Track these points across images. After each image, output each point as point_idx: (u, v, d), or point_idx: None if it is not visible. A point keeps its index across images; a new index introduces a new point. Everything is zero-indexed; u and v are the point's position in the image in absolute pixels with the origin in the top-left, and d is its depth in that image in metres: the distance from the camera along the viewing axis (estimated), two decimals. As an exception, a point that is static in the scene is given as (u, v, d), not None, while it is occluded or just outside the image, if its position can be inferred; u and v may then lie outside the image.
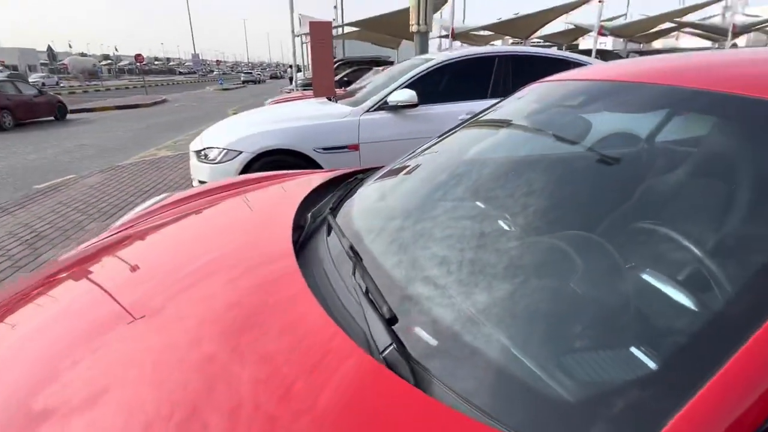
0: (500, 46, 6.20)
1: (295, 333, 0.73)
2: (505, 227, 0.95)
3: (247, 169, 3.29)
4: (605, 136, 1.12)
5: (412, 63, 3.93)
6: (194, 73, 54.40)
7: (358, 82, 7.49)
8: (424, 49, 5.84)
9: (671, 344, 0.58)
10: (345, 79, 9.96)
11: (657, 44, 23.14)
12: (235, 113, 5.78)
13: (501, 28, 16.70)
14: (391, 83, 3.58)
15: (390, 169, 1.45)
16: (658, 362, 0.56)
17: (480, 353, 0.66)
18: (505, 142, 1.37)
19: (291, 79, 14.44)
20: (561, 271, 0.79)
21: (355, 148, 3.41)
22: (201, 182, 3.41)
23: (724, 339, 0.51)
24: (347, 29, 14.21)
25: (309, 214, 1.24)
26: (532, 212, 0.99)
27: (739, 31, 17.76)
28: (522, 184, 1.11)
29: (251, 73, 46.70)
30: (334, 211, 1.26)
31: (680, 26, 18.66)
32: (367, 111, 3.43)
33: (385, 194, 1.33)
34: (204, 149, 3.45)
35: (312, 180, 1.63)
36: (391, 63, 11.33)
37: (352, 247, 0.93)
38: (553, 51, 4.19)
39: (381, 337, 0.68)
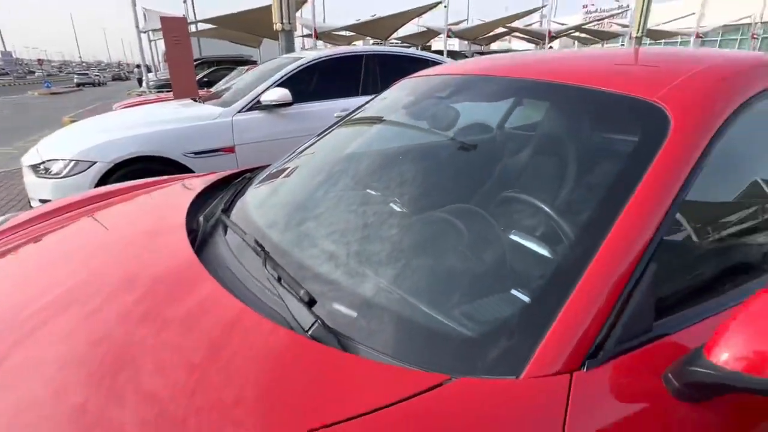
0: (362, 46, 6.44)
1: (228, 329, 0.72)
2: (396, 208, 1.06)
3: (103, 182, 2.92)
4: (470, 124, 1.32)
5: (280, 62, 3.89)
6: (7, 74, 44.94)
7: (222, 82, 7.07)
8: (290, 47, 5.78)
9: (536, 282, 0.74)
10: (205, 79, 9.29)
11: (494, 46, 26.49)
12: (73, 121, 5.01)
13: (362, 29, 17.34)
14: (260, 83, 3.50)
15: (278, 167, 1.46)
16: (529, 296, 0.71)
17: (390, 312, 0.74)
18: (385, 133, 1.49)
19: (140, 80, 12.93)
20: (445, 236, 0.92)
21: (230, 150, 3.26)
22: (43, 201, 2.91)
23: (570, 274, 0.67)
24: (201, 26, 13.25)
25: (201, 217, 1.19)
26: (418, 192, 1.12)
27: (554, 36, 21.38)
28: (405, 168, 1.24)
29: (87, 74, 40.14)
30: (227, 211, 1.23)
31: (511, 31, 21.73)
32: (240, 111, 3.31)
33: (277, 190, 1.34)
34: (43, 162, 2.95)
35: (184, 185, 1.54)
36: (255, 62, 10.93)
37: (257, 241, 0.94)
38: (413, 51, 4.54)
39: (304, 317, 0.72)
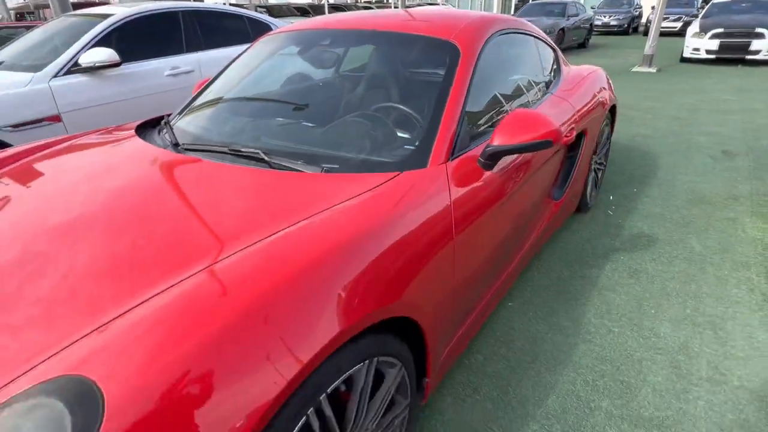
0: (158, 2, 5.92)
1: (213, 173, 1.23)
2: (308, 124, 1.64)
3: None
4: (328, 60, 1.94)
5: (73, 21, 3.57)
6: None
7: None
8: (65, 7, 5.01)
9: (417, 134, 1.46)
10: None
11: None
12: None
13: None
14: (63, 44, 3.23)
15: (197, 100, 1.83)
16: (418, 138, 1.43)
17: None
18: (273, 74, 1.99)
19: None
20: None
21: (55, 119, 3.03)
22: None
23: (432, 127, 1.41)
24: None
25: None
26: (320, 107, 1.71)
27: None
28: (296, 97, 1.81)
29: None
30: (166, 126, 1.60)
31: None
32: (56, 76, 3.05)
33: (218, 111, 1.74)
34: None
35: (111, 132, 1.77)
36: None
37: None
38: (227, 7, 4.63)
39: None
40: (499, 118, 1.72)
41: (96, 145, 1.68)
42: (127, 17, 3.48)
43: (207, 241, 1.00)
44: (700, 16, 10.24)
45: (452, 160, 1.38)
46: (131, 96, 3.39)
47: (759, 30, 8.81)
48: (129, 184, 1.31)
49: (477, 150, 1.47)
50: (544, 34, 2.46)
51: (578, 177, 2.46)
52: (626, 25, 16.55)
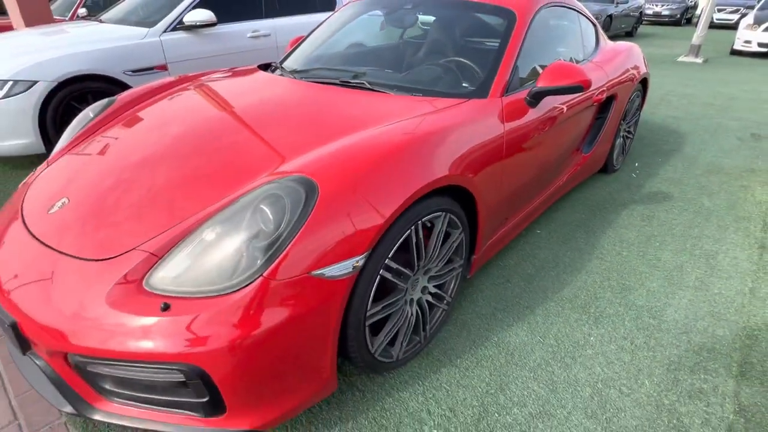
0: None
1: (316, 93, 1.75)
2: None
3: (49, 99, 3.11)
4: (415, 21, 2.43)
5: None
6: None
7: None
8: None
9: (482, 76, 1.95)
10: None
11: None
12: None
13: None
14: (165, 5, 3.83)
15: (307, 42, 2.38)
16: (482, 79, 1.92)
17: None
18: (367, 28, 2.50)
19: None
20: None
21: (163, 68, 3.65)
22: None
23: (492, 72, 1.90)
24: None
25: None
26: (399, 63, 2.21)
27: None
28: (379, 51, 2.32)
29: None
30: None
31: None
32: (165, 31, 3.66)
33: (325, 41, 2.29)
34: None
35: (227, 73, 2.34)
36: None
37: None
38: None
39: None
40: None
41: (234, 77, 2.24)
42: (220, -16, 4.04)
43: (336, 128, 1.53)
44: (756, 7, 10.07)
45: (506, 95, 1.86)
46: (221, 53, 3.98)
47: (816, 24, 8.68)
48: (267, 97, 1.86)
49: (524, 92, 1.95)
50: (587, 11, 2.86)
51: (605, 137, 2.89)
52: (679, 16, 16.15)
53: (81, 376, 1.20)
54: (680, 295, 2.04)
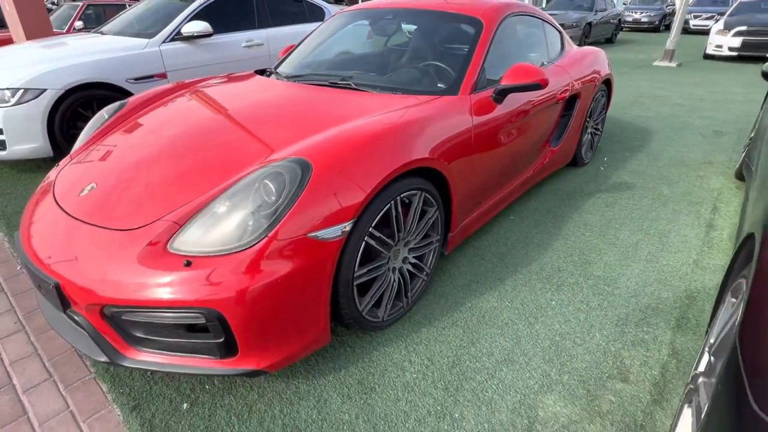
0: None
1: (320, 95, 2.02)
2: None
3: (57, 106, 3.34)
4: (396, 32, 2.72)
5: (164, 3, 4.44)
6: None
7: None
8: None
9: (451, 78, 2.23)
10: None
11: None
12: None
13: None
14: (166, 17, 4.09)
15: (298, 51, 2.65)
16: (450, 80, 2.20)
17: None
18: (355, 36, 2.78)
19: None
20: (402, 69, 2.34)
21: (163, 76, 3.90)
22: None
23: (460, 76, 2.18)
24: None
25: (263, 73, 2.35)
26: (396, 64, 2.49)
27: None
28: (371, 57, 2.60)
29: None
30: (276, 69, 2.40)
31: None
32: (164, 42, 3.92)
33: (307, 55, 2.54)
34: (-20, 93, 3.18)
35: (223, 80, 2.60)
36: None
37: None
38: None
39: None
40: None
41: (234, 80, 2.50)
42: (214, -2, 4.32)
43: (326, 121, 1.79)
44: (726, 14, 10.58)
45: (475, 93, 2.14)
46: (217, 61, 4.24)
47: (782, 29, 9.17)
48: (264, 98, 2.12)
49: (491, 90, 2.23)
50: (552, 19, 3.18)
51: (572, 132, 3.18)
52: (657, 22, 16.75)
53: (114, 327, 1.43)
54: (633, 267, 2.31)
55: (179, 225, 1.42)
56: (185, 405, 1.54)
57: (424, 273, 1.98)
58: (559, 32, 3.26)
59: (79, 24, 6.44)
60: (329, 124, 1.77)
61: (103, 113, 2.27)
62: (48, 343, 1.82)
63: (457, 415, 1.50)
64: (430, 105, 1.95)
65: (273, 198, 1.39)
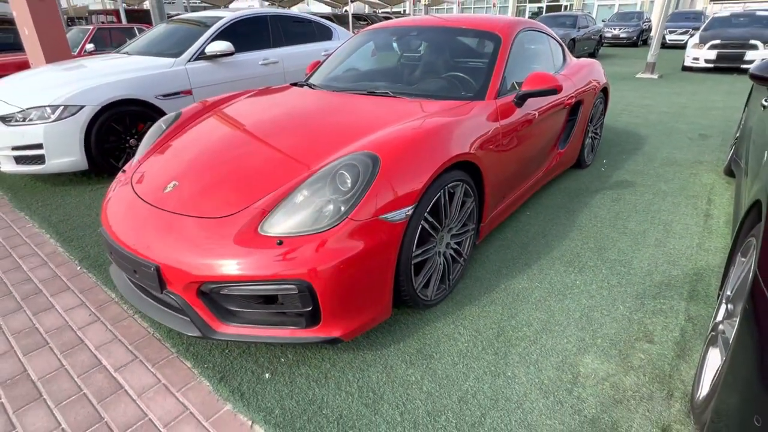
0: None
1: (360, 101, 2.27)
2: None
3: (94, 121, 3.53)
4: (417, 47, 3.00)
5: (180, 26, 4.70)
6: None
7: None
8: (162, 14, 6.20)
9: (476, 86, 2.50)
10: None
11: (294, 9, 27.79)
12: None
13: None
14: (189, 38, 4.34)
15: (329, 64, 2.91)
16: (474, 89, 2.47)
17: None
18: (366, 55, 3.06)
19: None
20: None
21: (188, 92, 4.13)
22: (31, 147, 3.37)
23: (486, 82, 2.45)
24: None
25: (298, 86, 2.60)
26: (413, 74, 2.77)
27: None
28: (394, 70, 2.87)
29: None
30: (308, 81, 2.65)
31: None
32: (189, 60, 4.16)
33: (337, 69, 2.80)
34: (21, 111, 3.37)
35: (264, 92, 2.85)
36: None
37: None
38: (300, 13, 5.74)
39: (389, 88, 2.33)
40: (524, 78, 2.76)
41: (273, 92, 2.74)
42: (234, 19, 4.59)
43: (378, 122, 2.03)
44: (701, 29, 11.25)
45: (499, 98, 2.41)
46: (238, 78, 4.49)
47: (753, 42, 9.80)
48: (316, 104, 2.36)
49: (512, 96, 2.50)
50: (554, 34, 3.50)
51: (577, 135, 3.48)
52: (635, 38, 17.57)
53: (208, 304, 1.63)
54: (644, 251, 2.57)
55: (267, 211, 1.63)
56: (267, 375, 1.73)
57: (462, 259, 2.21)
58: (561, 45, 3.58)
59: (90, 46, 6.66)
60: (382, 125, 2.01)
61: (161, 123, 2.48)
62: (126, 330, 1.99)
63: (509, 374, 1.71)
64: (464, 108, 2.21)
65: (348, 186, 1.62)
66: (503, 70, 2.52)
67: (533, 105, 2.66)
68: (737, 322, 1.18)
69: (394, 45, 3.08)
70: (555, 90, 2.39)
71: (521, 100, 2.46)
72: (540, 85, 2.39)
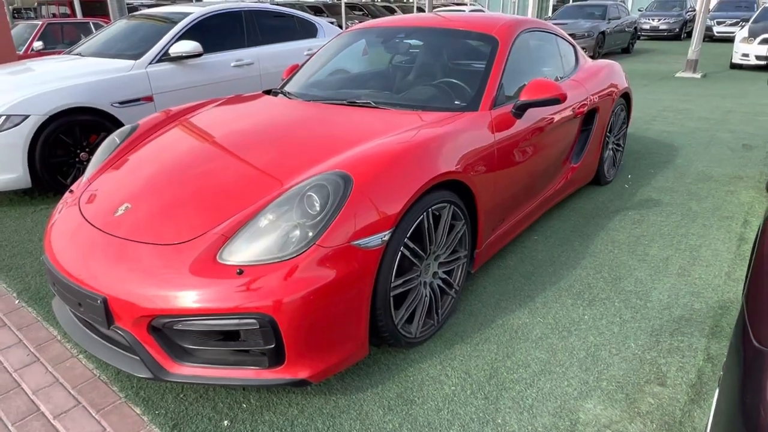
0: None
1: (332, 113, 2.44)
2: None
3: (40, 132, 3.71)
4: (406, 48, 3.21)
5: (142, 22, 4.95)
6: None
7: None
8: (121, 6, 6.49)
9: (469, 94, 2.68)
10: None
11: None
12: None
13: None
14: (154, 37, 4.57)
15: (305, 69, 3.10)
16: (467, 99, 2.64)
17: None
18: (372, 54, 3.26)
19: None
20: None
21: (149, 99, 4.33)
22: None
23: (479, 92, 2.63)
24: None
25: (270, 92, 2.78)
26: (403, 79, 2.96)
27: None
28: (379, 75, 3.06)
29: None
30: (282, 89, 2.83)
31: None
32: (151, 63, 4.37)
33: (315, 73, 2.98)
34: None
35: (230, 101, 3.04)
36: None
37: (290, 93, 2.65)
38: (278, 7, 6.02)
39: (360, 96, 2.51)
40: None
41: (247, 100, 2.93)
42: (203, 15, 4.84)
43: (355, 138, 2.20)
44: (750, 20, 11.59)
45: (495, 109, 2.58)
46: (206, 82, 4.71)
47: (811, 36, 10.10)
48: (286, 116, 2.53)
49: (510, 106, 2.67)
50: (565, 34, 3.71)
51: (592, 148, 3.65)
52: (678, 30, 18.03)
53: (160, 341, 1.75)
54: (665, 281, 2.70)
55: (227, 237, 1.78)
56: (226, 422, 1.84)
57: (453, 290, 2.34)
58: (573, 46, 3.79)
59: (38, 44, 6.94)
60: (359, 140, 2.17)
61: (115, 138, 2.65)
62: (68, 372, 2.11)
63: (500, 421, 1.82)
64: (454, 121, 2.38)
65: (317, 209, 1.76)
66: (500, 77, 2.70)
67: (536, 115, 2.83)
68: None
69: (381, 47, 3.28)
70: (557, 99, 2.56)
71: (520, 110, 2.63)
72: (540, 94, 2.56)
